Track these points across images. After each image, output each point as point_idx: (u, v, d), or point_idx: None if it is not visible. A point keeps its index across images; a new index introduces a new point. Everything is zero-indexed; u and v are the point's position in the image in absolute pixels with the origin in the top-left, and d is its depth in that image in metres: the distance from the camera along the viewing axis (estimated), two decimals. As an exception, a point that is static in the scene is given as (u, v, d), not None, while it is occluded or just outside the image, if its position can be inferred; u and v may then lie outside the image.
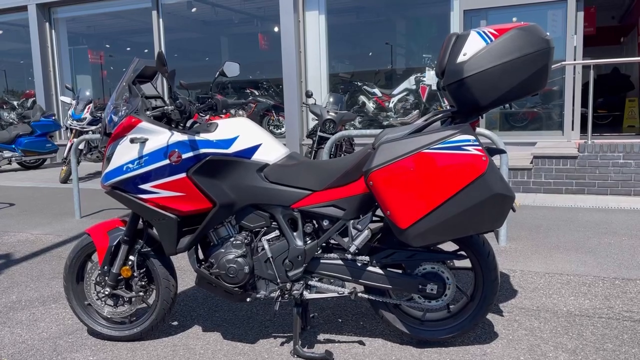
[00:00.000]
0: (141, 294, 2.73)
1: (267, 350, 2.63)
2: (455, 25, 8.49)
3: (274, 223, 2.59)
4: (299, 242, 2.52)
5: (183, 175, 2.44)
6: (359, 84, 9.50)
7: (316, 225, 2.57)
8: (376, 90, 9.40)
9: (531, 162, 6.47)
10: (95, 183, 8.29)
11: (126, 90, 2.58)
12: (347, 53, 9.55)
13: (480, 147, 2.14)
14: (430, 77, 8.95)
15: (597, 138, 7.44)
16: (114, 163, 2.52)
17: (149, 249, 2.71)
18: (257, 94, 10.40)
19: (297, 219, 2.53)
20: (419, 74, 9.02)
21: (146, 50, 11.14)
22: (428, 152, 2.14)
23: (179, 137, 2.46)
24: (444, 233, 2.19)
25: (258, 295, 2.57)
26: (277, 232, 2.59)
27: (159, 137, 2.47)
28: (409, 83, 9.17)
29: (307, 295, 2.53)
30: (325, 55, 9.45)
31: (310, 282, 2.56)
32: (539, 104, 8.25)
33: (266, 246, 2.55)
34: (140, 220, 2.71)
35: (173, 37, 10.86)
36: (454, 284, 2.49)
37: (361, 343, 2.68)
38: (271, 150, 2.54)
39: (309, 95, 7.10)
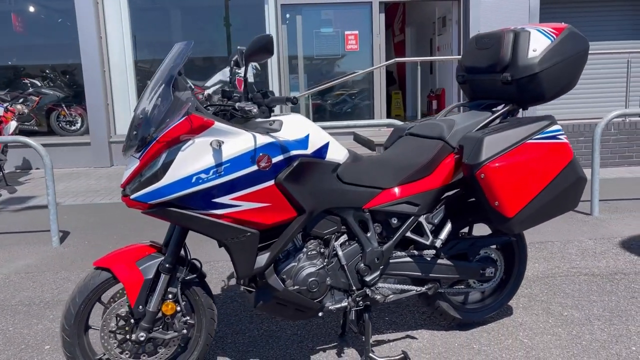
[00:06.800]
0: (184, 331, 2.22)
1: (337, 365, 2.42)
2: (272, 18, 8.59)
3: (343, 227, 2.38)
4: (375, 244, 2.38)
5: (271, 182, 2.06)
6: (168, 74, 8.85)
7: (382, 225, 2.46)
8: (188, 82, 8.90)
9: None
10: None
11: (166, 83, 2.03)
12: (155, 40, 8.79)
13: (565, 135, 2.36)
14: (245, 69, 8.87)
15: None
16: (175, 174, 1.96)
17: (193, 275, 2.22)
18: (38, 84, 8.82)
19: (368, 220, 2.38)
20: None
21: None
22: (532, 142, 2.28)
23: (264, 138, 2.06)
24: (539, 217, 2.35)
25: (331, 307, 2.34)
26: (345, 237, 2.39)
27: (239, 140, 2.02)
28: (223, 75, 8.91)
29: (389, 297, 2.41)
30: (130, 42, 8.54)
31: (380, 284, 2.44)
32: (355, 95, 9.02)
33: (340, 252, 2.33)
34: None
35: None
36: (502, 264, 2.68)
37: (412, 337, 2.67)
38: (338, 149, 2.32)
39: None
